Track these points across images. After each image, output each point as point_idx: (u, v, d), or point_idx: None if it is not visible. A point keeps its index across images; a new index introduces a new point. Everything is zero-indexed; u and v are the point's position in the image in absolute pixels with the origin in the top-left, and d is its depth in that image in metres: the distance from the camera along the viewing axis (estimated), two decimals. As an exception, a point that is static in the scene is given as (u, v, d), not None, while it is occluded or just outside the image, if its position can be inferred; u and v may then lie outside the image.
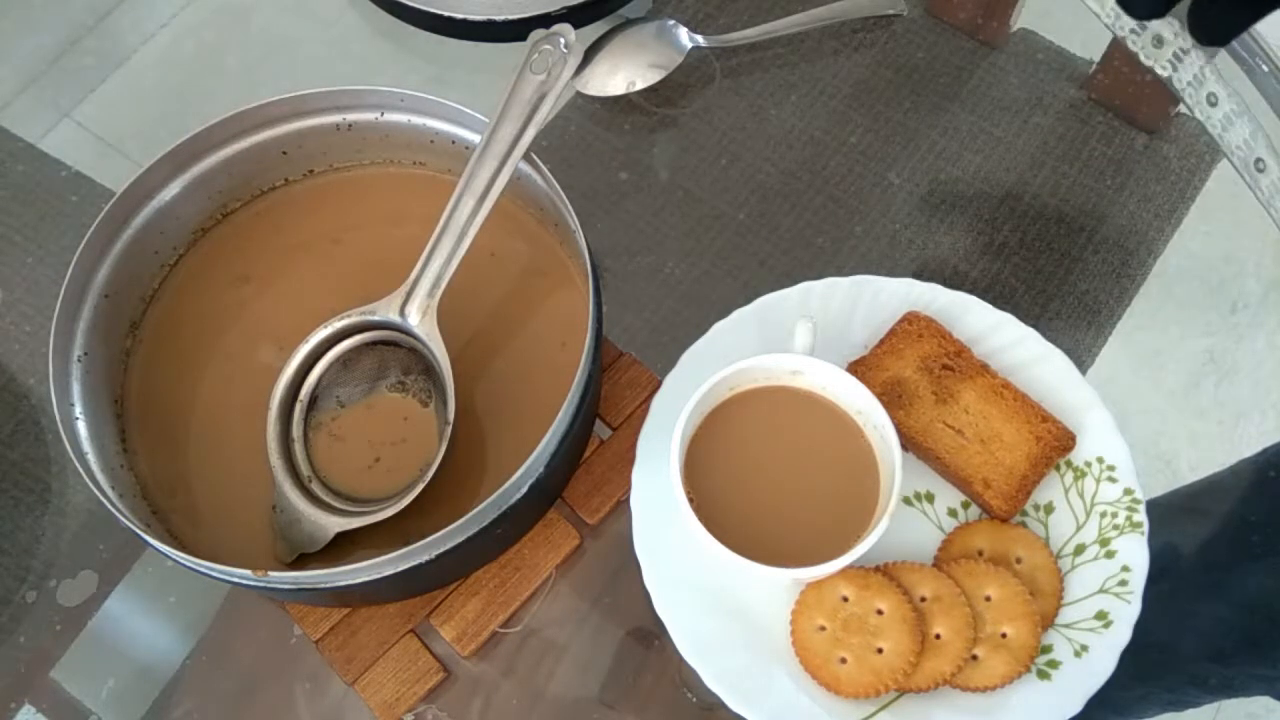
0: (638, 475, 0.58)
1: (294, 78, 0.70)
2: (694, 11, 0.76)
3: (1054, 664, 0.54)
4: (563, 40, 0.56)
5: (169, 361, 0.60)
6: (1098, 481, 0.58)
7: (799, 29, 0.74)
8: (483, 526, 0.52)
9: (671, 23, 0.73)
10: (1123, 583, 0.55)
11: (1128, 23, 0.65)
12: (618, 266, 0.69)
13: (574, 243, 0.57)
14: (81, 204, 0.71)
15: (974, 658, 0.54)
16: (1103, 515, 0.57)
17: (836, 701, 0.54)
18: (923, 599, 0.54)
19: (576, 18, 0.71)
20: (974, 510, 0.58)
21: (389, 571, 0.51)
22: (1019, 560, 0.56)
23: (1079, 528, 0.57)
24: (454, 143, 0.61)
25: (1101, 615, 0.55)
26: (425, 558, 0.51)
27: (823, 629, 0.54)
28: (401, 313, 0.56)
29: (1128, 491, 0.57)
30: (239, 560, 0.51)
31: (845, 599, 0.54)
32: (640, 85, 0.72)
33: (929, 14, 0.76)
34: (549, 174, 0.57)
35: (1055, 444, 0.57)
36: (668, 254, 0.69)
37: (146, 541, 0.51)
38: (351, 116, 0.61)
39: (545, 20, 0.67)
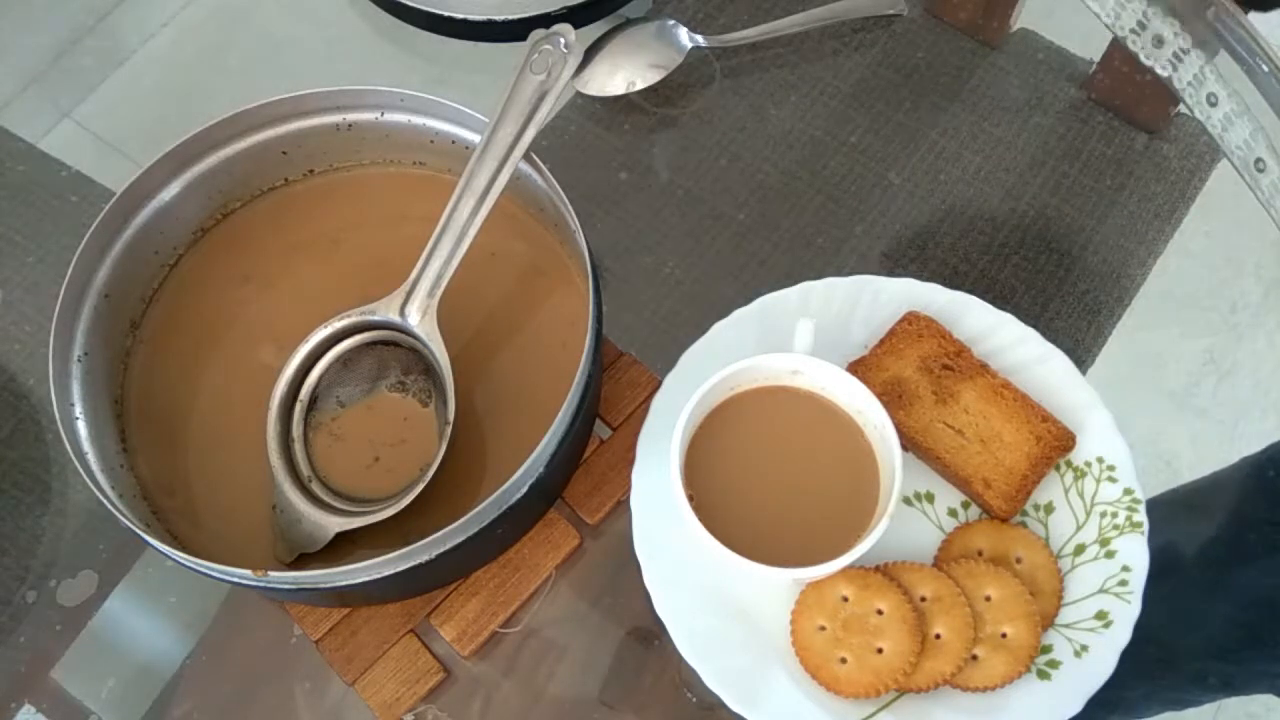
0: (638, 475, 0.58)
1: (294, 78, 0.69)
2: (694, 11, 0.76)
3: (1054, 664, 0.54)
4: (563, 40, 0.56)
5: (169, 361, 0.60)
6: (1098, 481, 0.58)
7: (799, 29, 0.74)
8: (483, 526, 0.52)
9: (671, 23, 0.73)
10: (1123, 583, 0.55)
11: (1127, 22, 0.65)
12: (618, 266, 0.69)
13: (574, 243, 0.57)
14: (81, 204, 0.71)
15: (974, 658, 0.54)
16: (1103, 515, 0.57)
17: (836, 701, 0.54)
18: (923, 599, 0.54)
19: (576, 18, 0.71)
20: (974, 510, 0.58)
21: (389, 571, 0.51)
22: (1019, 560, 0.56)
23: (1079, 528, 0.57)
24: (454, 143, 0.61)
25: (1101, 615, 0.55)
26: (425, 558, 0.51)
27: (823, 629, 0.54)
28: (401, 313, 0.56)
29: (1128, 491, 0.57)
30: (239, 560, 0.51)
31: (845, 599, 0.54)
32: (640, 85, 0.72)
33: (929, 14, 0.76)
34: (549, 174, 0.57)
35: (1055, 444, 0.57)
36: (668, 254, 0.69)
37: (146, 541, 0.51)
38: (351, 116, 0.61)
39: (545, 20, 0.67)
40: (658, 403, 0.59)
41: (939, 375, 0.59)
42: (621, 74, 0.72)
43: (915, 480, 0.59)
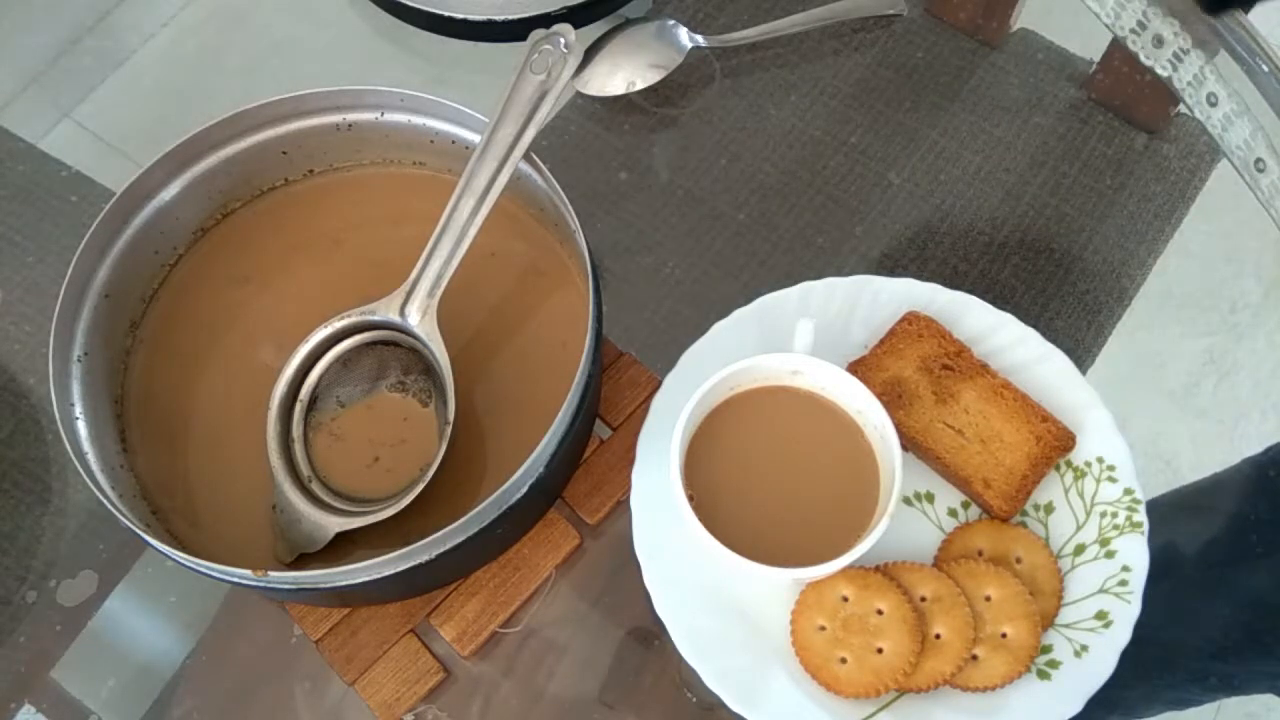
0: (638, 475, 0.58)
1: (294, 78, 0.69)
2: (694, 11, 0.76)
3: (1054, 664, 0.54)
4: (563, 40, 0.56)
5: (169, 361, 0.60)
6: (1098, 481, 0.58)
7: (799, 29, 0.74)
8: (483, 526, 0.52)
9: (671, 23, 0.73)
10: (1123, 583, 0.55)
11: (1127, 22, 0.65)
12: (618, 266, 0.69)
13: (574, 243, 0.57)
14: (81, 204, 0.71)
15: (974, 658, 0.54)
16: (1103, 515, 0.57)
17: (836, 701, 0.54)
18: (923, 599, 0.54)
19: (576, 18, 0.71)
20: (974, 510, 0.58)
21: (389, 571, 0.51)
22: (1019, 560, 0.56)
23: (1079, 528, 0.57)
24: (454, 143, 0.61)
25: (1101, 615, 0.55)
26: (425, 558, 0.51)
27: (823, 629, 0.54)
28: (401, 313, 0.56)
29: (1128, 491, 0.57)
30: (239, 560, 0.51)
31: (845, 599, 0.54)
32: (640, 85, 0.72)
33: (929, 14, 0.76)
34: (549, 174, 0.57)
35: (1055, 444, 0.57)
36: (668, 254, 0.69)
37: (146, 541, 0.51)
38: (351, 116, 0.61)
39: (545, 20, 0.67)
40: (658, 403, 0.59)
41: (939, 375, 0.59)
42: (621, 74, 0.72)
43: (915, 480, 0.59)
